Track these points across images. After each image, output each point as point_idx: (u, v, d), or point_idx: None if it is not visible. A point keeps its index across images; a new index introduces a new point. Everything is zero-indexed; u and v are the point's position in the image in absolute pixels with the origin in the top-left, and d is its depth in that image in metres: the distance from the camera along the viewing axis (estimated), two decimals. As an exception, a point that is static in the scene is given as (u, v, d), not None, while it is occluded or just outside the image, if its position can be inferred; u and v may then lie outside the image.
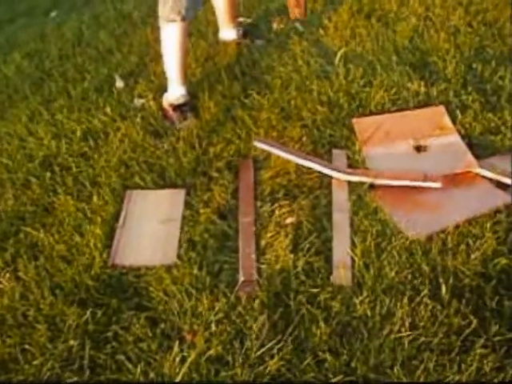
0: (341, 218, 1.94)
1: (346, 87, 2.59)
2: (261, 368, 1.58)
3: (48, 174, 2.39)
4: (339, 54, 2.80)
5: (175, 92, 2.56)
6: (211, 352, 1.63)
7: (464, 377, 1.51)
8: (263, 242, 1.95)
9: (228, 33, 3.04)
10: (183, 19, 2.35)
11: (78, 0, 4.34)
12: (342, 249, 1.84)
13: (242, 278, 1.81)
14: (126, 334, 1.73)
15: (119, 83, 2.94)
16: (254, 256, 1.87)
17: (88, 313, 1.78)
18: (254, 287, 1.78)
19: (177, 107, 2.56)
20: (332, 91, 2.57)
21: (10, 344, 1.74)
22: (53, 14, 4.25)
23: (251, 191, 2.13)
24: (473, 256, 1.80)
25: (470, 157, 2.09)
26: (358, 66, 2.70)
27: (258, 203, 2.10)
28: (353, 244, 1.87)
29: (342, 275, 1.77)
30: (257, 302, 1.74)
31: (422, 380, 1.52)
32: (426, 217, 1.92)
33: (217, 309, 1.74)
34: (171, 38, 2.44)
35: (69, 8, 4.24)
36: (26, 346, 1.72)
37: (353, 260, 1.82)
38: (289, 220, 1.98)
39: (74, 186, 2.32)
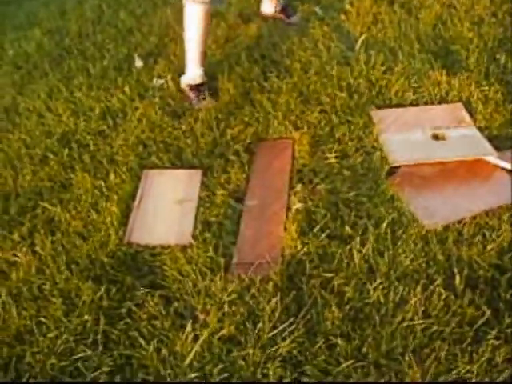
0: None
1: (366, 73, 2.57)
2: (272, 349, 1.59)
3: (66, 151, 2.41)
4: (360, 40, 2.77)
5: (193, 73, 2.58)
6: (224, 332, 1.65)
7: (475, 367, 1.51)
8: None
9: (267, 7, 3.10)
10: (203, 2, 2.37)
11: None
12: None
13: (235, 260, 1.83)
14: (140, 312, 1.74)
15: (138, 63, 2.94)
16: (252, 238, 1.87)
17: (103, 289, 1.80)
18: (247, 269, 1.79)
19: (194, 87, 2.57)
20: (352, 77, 2.55)
21: (26, 316, 1.77)
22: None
23: (265, 174, 2.13)
24: (489, 247, 1.79)
25: (487, 145, 2.07)
26: (379, 53, 2.67)
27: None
28: (367, 230, 1.87)
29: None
30: (270, 284, 1.75)
31: (432, 369, 1.52)
32: (443, 207, 1.91)
33: (230, 290, 1.75)
34: (191, 17, 2.46)
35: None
36: (42, 319, 1.75)
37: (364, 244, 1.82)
38: (304, 204, 1.98)
39: (91, 163, 2.33)
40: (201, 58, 2.56)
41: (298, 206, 1.96)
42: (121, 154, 2.34)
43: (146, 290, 1.80)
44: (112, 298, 1.79)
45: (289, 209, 1.99)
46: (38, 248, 1.98)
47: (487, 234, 1.82)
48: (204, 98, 2.52)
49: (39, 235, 2.02)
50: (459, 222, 1.86)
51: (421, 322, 1.61)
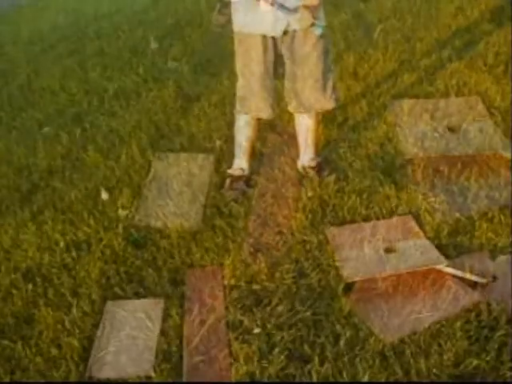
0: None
1: (382, 64, 2.53)
2: (278, 337, 1.60)
3: (78, 130, 2.40)
4: (378, 29, 2.73)
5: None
6: (230, 317, 1.64)
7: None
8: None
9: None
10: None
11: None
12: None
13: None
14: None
15: (154, 45, 2.92)
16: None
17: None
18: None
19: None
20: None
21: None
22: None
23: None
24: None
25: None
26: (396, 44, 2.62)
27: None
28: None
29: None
30: (278, 272, 1.74)
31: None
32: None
33: (238, 274, 1.75)
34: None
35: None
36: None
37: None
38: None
39: (103, 143, 2.32)
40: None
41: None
42: (133, 139, 2.31)
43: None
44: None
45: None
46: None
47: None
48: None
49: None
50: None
51: None
